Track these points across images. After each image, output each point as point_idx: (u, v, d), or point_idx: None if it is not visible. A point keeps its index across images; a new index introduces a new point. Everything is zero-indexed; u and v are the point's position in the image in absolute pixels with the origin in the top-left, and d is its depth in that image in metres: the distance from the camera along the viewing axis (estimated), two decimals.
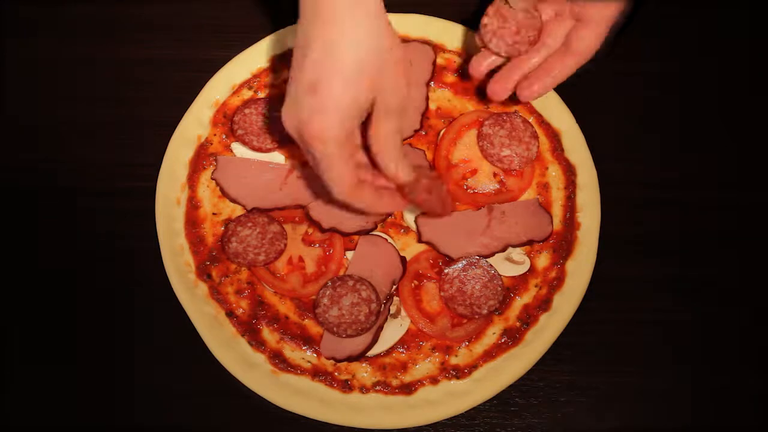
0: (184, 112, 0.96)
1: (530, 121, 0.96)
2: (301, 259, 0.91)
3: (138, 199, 0.93)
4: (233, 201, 0.92)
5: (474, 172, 0.95)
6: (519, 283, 0.90)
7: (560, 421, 0.87)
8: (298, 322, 0.89)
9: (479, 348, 0.88)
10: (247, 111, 0.95)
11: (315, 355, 0.87)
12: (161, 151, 0.94)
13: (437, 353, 0.87)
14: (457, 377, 0.86)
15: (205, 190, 0.94)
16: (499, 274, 0.89)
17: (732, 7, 1.05)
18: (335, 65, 0.67)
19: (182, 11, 1.05)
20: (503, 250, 0.90)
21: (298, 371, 0.86)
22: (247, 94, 0.97)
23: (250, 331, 0.88)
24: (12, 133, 0.99)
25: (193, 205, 0.93)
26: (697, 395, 0.88)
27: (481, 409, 0.86)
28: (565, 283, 0.90)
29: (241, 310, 0.89)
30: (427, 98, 0.97)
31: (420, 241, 0.91)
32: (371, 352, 0.87)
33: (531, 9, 0.85)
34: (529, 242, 0.91)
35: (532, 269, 0.91)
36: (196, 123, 0.96)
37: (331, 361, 0.87)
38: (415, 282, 0.90)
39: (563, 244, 0.91)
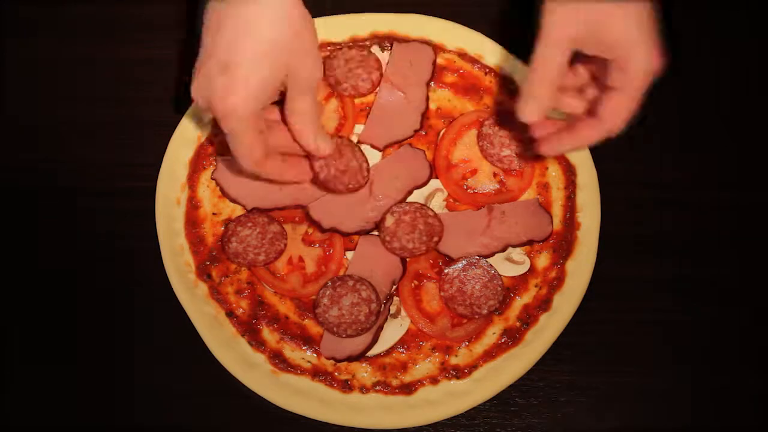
0: (184, 112, 0.96)
1: None
2: (301, 259, 0.91)
3: (138, 199, 0.93)
4: (233, 201, 0.92)
5: (474, 172, 0.95)
6: (519, 283, 0.90)
7: (560, 421, 0.87)
8: (298, 322, 0.89)
9: (479, 348, 0.88)
10: None
11: (315, 355, 0.87)
12: (161, 151, 0.94)
13: (437, 353, 0.87)
14: (457, 377, 0.86)
15: (205, 190, 0.94)
16: (499, 274, 0.89)
17: (732, 8, 1.05)
18: (247, 46, 0.70)
19: (182, 11, 1.04)
20: (503, 250, 0.90)
21: (298, 371, 0.86)
22: None
23: (250, 331, 0.88)
24: (12, 133, 0.98)
25: (193, 205, 0.93)
26: (697, 395, 0.88)
27: (481, 409, 0.86)
28: (565, 283, 0.90)
29: (241, 310, 0.89)
30: (427, 98, 0.97)
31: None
32: (371, 352, 0.87)
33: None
34: (529, 242, 0.91)
35: (532, 269, 0.91)
36: (196, 123, 0.95)
37: (331, 361, 0.87)
38: (415, 282, 0.90)
39: (563, 244, 0.91)
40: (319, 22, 0.99)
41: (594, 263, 0.90)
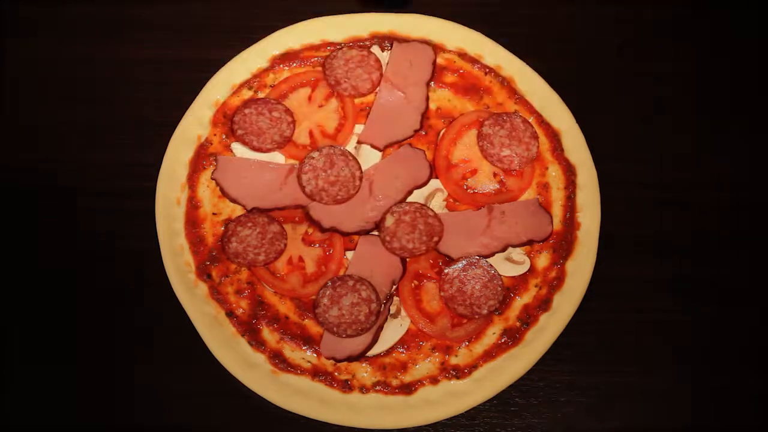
0: (184, 112, 0.96)
1: (530, 121, 0.96)
2: (301, 259, 0.91)
3: (138, 199, 0.93)
4: (233, 201, 0.92)
5: (474, 172, 0.95)
6: (519, 283, 0.90)
7: (560, 421, 0.87)
8: (298, 322, 0.89)
9: (479, 348, 0.88)
10: (247, 111, 0.95)
11: (315, 355, 0.87)
12: (161, 151, 0.94)
13: (437, 353, 0.87)
14: (457, 377, 0.86)
15: (205, 190, 0.94)
16: (499, 274, 0.89)
17: (741, 8, 1.05)
18: None
19: (182, 11, 1.05)
20: (503, 250, 0.90)
21: (298, 371, 0.86)
22: (247, 94, 0.97)
23: (250, 331, 0.88)
24: (12, 133, 0.98)
25: (193, 205, 0.93)
26: (697, 395, 0.88)
27: (481, 409, 0.86)
28: (565, 283, 0.90)
29: (241, 310, 0.89)
30: (427, 98, 0.97)
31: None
32: (371, 352, 0.87)
33: None
34: (529, 242, 0.91)
35: (532, 269, 0.91)
36: (196, 123, 0.96)
37: (331, 361, 0.87)
38: (415, 282, 0.90)
39: (563, 244, 0.91)
40: (319, 22, 1.00)
41: (594, 263, 0.90)
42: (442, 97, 0.98)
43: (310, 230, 0.92)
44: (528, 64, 0.98)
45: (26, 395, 0.87)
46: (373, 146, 0.95)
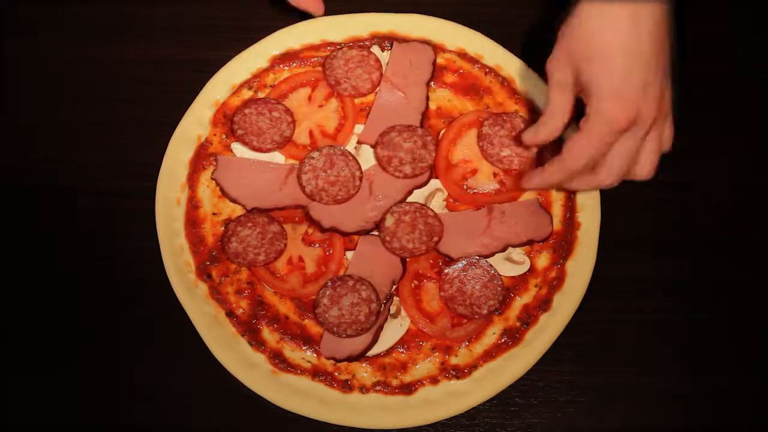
0: (184, 112, 0.96)
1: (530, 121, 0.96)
2: (301, 259, 0.91)
3: (138, 199, 0.93)
4: (233, 201, 0.92)
5: (474, 172, 0.95)
6: (519, 283, 0.90)
7: (560, 421, 0.87)
8: (298, 322, 0.89)
9: (479, 348, 0.88)
10: (247, 111, 0.95)
11: (315, 355, 0.87)
12: (161, 151, 0.94)
13: (437, 353, 0.87)
14: (457, 377, 0.86)
15: (205, 190, 0.94)
16: (499, 274, 0.89)
17: (741, 8, 1.05)
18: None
19: (182, 11, 1.05)
20: (503, 250, 0.90)
21: (298, 371, 0.86)
22: (247, 94, 0.97)
23: (250, 331, 0.88)
24: (12, 133, 0.98)
25: (193, 205, 0.93)
26: (696, 395, 0.88)
27: (481, 409, 0.86)
28: (565, 283, 0.90)
29: (241, 310, 0.89)
30: (427, 98, 0.97)
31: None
32: (371, 352, 0.87)
33: None
34: (529, 242, 0.91)
35: (532, 269, 0.91)
36: (196, 123, 0.96)
37: (331, 361, 0.87)
38: (415, 282, 0.90)
39: (563, 244, 0.91)
40: (319, 22, 0.99)
41: (594, 263, 0.90)
42: (442, 97, 0.98)
43: (310, 230, 0.92)
44: (528, 64, 0.98)
45: (26, 395, 0.87)
46: (372, 146, 0.95)
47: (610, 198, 0.93)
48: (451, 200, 0.94)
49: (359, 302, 0.86)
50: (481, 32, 1.00)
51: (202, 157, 0.94)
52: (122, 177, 0.96)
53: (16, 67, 1.02)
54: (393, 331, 0.88)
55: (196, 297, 0.88)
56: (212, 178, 0.93)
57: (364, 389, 0.86)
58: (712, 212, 0.96)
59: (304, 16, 0.99)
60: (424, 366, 0.87)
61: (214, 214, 0.93)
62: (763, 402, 0.88)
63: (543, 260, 0.91)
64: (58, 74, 1.01)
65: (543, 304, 0.89)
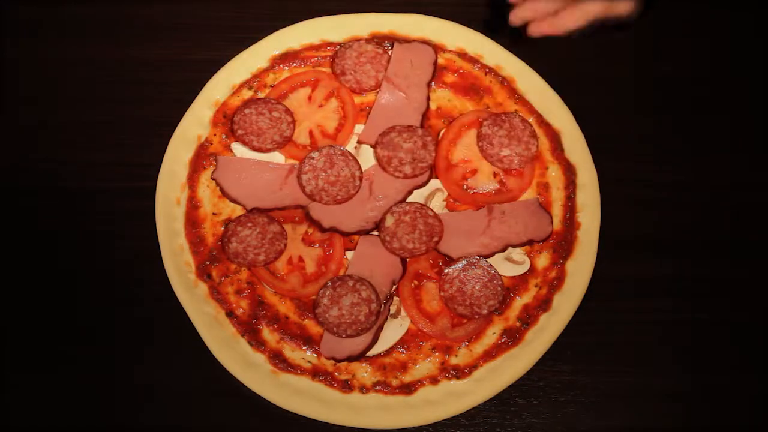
0: (184, 112, 0.96)
1: (530, 121, 0.96)
2: (301, 259, 0.91)
3: (138, 199, 0.93)
4: (233, 201, 0.92)
5: (474, 172, 0.95)
6: (519, 283, 0.90)
7: (560, 421, 0.87)
8: (298, 322, 0.89)
9: (479, 348, 0.88)
10: (247, 111, 0.95)
11: (315, 355, 0.87)
12: (161, 151, 0.94)
13: (437, 353, 0.87)
14: (457, 377, 0.86)
15: (205, 190, 0.94)
16: (499, 274, 0.89)
17: (742, 9, 1.05)
18: None
19: (182, 11, 1.05)
20: (503, 250, 0.90)
21: (298, 371, 0.86)
22: (247, 94, 0.97)
23: (250, 331, 0.88)
24: (12, 133, 0.98)
25: (193, 205, 0.93)
26: (696, 395, 0.88)
27: (481, 409, 0.86)
28: (565, 283, 0.90)
29: (241, 310, 0.89)
30: (428, 98, 0.97)
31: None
32: (371, 352, 0.87)
33: None
34: (529, 242, 0.91)
35: (532, 269, 0.91)
36: (196, 123, 0.96)
37: (331, 361, 0.87)
38: (415, 282, 0.90)
39: (563, 244, 0.91)
40: (319, 22, 1.00)
41: (594, 263, 0.90)
42: (442, 97, 0.98)
43: (310, 230, 0.92)
44: (528, 64, 0.98)
45: (26, 395, 0.87)
46: (373, 146, 0.95)
47: (610, 198, 0.93)
48: (451, 200, 0.94)
49: (359, 302, 0.86)
50: (481, 32, 1.00)
51: (202, 157, 0.94)
52: (122, 177, 0.96)
53: (16, 67, 1.02)
54: (393, 331, 0.88)
55: (196, 297, 0.88)
56: (212, 178, 0.93)
57: (364, 389, 0.86)
58: (712, 212, 0.96)
59: (304, 16, 0.99)
60: (424, 366, 0.87)
61: (214, 214, 0.93)
62: (763, 402, 0.88)
63: (543, 260, 0.91)
64: (58, 74, 1.01)
65: (543, 304, 0.89)
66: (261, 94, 0.98)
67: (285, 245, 0.90)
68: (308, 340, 0.88)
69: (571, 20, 0.92)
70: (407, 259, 0.90)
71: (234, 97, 0.97)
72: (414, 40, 0.99)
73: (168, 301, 0.88)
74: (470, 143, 0.96)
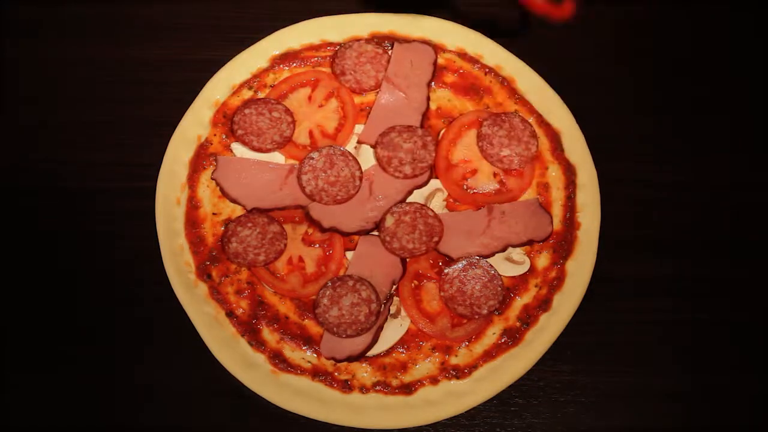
0: (184, 112, 0.96)
1: (530, 121, 0.96)
2: (301, 259, 0.91)
3: (138, 199, 0.93)
4: (233, 201, 0.92)
5: (474, 172, 0.95)
6: (519, 283, 0.90)
7: (560, 421, 0.87)
8: (298, 322, 0.89)
9: (479, 348, 0.88)
10: (247, 111, 0.95)
11: (315, 355, 0.87)
12: (161, 151, 0.94)
13: (437, 353, 0.87)
14: (457, 377, 0.86)
15: (205, 190, 0.94)
16: (499, 274, 0.89)
17: (736, 9, 1.05)
18: None
19: (182, 11, 1.05)
20: (503, 250, 0.90)
21: (298, 371, 0.86)
22: (247, 94, 0.97)
23: (250, 331, 0.88)
24: (12, 133, 0.98)
25: (193, 205, 0.93)
26: (696, 395, 0.88)
27: (481, 409, 0.86)
28: (565, 283, 0.90)
29: (241, 310, 0.89)
30: (428, 98, 0.97)
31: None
32: (371, 352, 0.87)
33: None
34: (529, 242, 0.91)
35: (532, 269, 0.91)
36: (196, 123, 0.96)
37: (331, 361, 0.87)
38: (415, 282, 0.90)
39: (563, 244, 0.91)
40: (319, 22, 1.00)
41: (594, 263, 0.90)
42: (442, 97, 0.98)
43: (310, 230, 0.92)
44: (528, 64, 0.98)
45: (26, 395, 0.87)
46: (373, 146, 0.95)
47: (610, 198, 0.93)
48: (451, 200, 0.94)
49: (359, 302, 0.86)
50: (481, 32, 1.00)
51: (202, 157, 0.94)
52: (122, 177, 0.96)
53: (16, 67, 1.02)
54: (393, 331, 0.88)
55: (196, 297, 0.88)
56: (212, 178, 0.93)
57: (364, 389, 0.86)
58: (712, 212, 0.96)
59: (304, 16, 0.99)
60: (424, 366, 0.87)
61: (214, 214, 0.93)
62: (763, 402, 0.88)
63: (543, 260, 0.91)
64: (58, 74, 1.01)
65: (543, 304, 0.89)
66: (261, 94, 0.98)
67: (285, 245, 0.90)
68: (308, 340, 0.88)
69: None
70: (407, 259, 0.90)
71: (234, 97, 0.97)
72: (414, 40, 0.99)
73: (168, 301, 0.88)
74: (470, 143, 0.96)
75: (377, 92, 0.97)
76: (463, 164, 0.95)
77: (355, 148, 0.96)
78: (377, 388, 0.86)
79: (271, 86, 0.98)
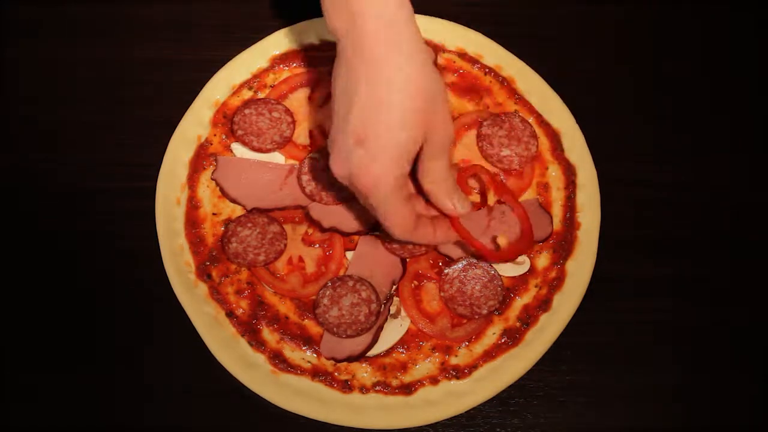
0: (184, 112, 0.96)
1: (530, 121, 0.96)
2: (301, 259, 0.91)
3: (138, 199, 0.93)
4: (233, 201, 0.92)
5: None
6: (519, 283, 0.90)
7: (560, 420, 0.87)
8: (298, 322, 0.89)
9: (479, 348, 0.88)
10: (247, 111, 0.95)
11: (315, 355, 0.87)
12: (161, 151, 0.94)
13: (437, 353, 0.87)
14: (457, 377, 0.86)
15: (205, 190, 0.94)
16: (499, 275, 0.89)
17: (736, 9, 1.05)
18: (382, 113, 0.66)
19: (182, 11, 1.05)
20: None
21: (298, 371, 0.86)
22: (247, 94, 0.97)
23: (250, 331, 0.88)
24: (12, 133, 0.98)
25: (193, 205, 0.93)
26: (696, 395, 0.88)
27: (481, 409, 0.86)
28: (565, 283, 0.90)
29: (241, 310, 0.89)
30: None
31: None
32: (371, 352, 0.87)
33: None
34: (533, 240, 0.91)
35: (532, 269, 0.91)
36: (196, 123, 0.96)
37: (331, 361, 0.87)
38: (415, 282, 0.90)
39: (563, 244, 0.91)
40: (320, 22, 0.99)
41: (594, 263, 0.90)
42: None
43: (310, 230, 0.92)
44: (528, 64, 0.98)
45: (26, 396, 0.87)
46: None
47: (610, 198, 0.93)
48: None
49: (359, 302, 0.86)
50: (481, 32, 1.00)
51: (202, 157, 0.94)
52: (122, 177, 0.96)
53: (16, 67, 1.02)
54: (393, 331, 0.88)
55: (196, 297, 0.88)
56: (212, 178, 0.93)
57: (364, 389, 0.86)
58: (712, 212, 0.96)
59: (304, 16, 0.99)
60: (424, 366, 0.87)
61: (214, 214, 0.93)
62: (763, 402, 0.88)
63: (543, 260, 0.91)
64: (58, 74, 1.01)
65: (543, 304, 0.89)
66: (261, 95, 0.98)
67: (285, 245, 0.90)
68: (308, 341, 0.88)
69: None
70: (407, 260, 0.90)
71: (234, 97, 0.97)
72: None
73: (168, 301, 0.88)
74: (470, 143, 0.96)
75: None
76: (463, 164, 0.95)
77: None
78: (377, 388, 0.86)
79: (271, 86, 0.98)
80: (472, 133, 0.96)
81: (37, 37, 1.03)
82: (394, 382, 0.86)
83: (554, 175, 0.95)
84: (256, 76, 0.98)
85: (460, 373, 0.86)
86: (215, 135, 0.96)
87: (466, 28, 1.00)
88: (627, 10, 1.06)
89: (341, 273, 0.90)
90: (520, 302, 0.89)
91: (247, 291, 0.89)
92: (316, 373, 0.86)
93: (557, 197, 0.94)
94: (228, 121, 0.96)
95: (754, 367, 0.89)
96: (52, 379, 0.88)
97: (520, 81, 0.98)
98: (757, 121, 1.01)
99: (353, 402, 0.85)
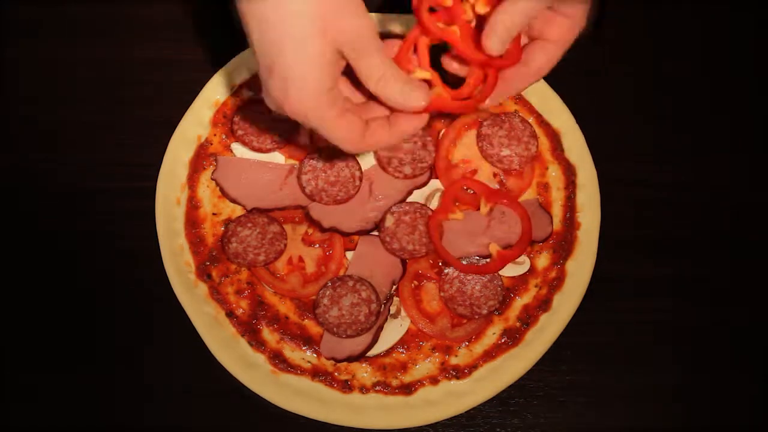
0: (184, 112, 0.96)
1: (530, 121, 0.96)
2: (301, 259, 0.91)
3: (138, 199, 0.93)
4: (233, 201, 0.92)
5: (474, 172, 0.95)
6: (519, 283, 0.90)
7: (560, 420, 0.87)
8: (298, 322, 0.89)
9: (479, 348, 0.88)
10: (247, 111, 0.95)
11: (315, 355, 0.87)
12: (161, 151, 0.94)
13: (437, 353, 0.87)
14: (457, 377, 0.86)
15: (205, 190, 0.94)
16: (499, 274, 0.89)
17: (736, 9, 1.05)
18: (276, 36, 0.64)
19: (182, 11, 1.05)
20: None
21: (298, 371, 0.86)
22: (247, 94, 0.97)
23: (250, 331, 0.88)
24: (12, 133, 0.98)
25: (193, 205, 0.93)
26: (696, 395, 0.88)
27: (481, 409, 0.86)
28: (565, 283, 0.90)
29: (241, 310, 0.89)
30: None
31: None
32: (371, 352, 0.87)
33: None
34: (529, 242, 0.91)
35: (532, 269, 0.91)
36: (196, 123, 0.96)
37: (331, 361, 0.87)
38: (415, 282, 0.90)
39: (563, 244, 0.91)
40: None
41: (594, 263, 0.90)
42: None
43: (310, 230, 0.92)
44: None
45: (26, 396, 0.87)
46: None
47: (610, 198, 0.93)
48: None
49: (359, 302, 0.86)
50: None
51: (202, 157, 0.94)
52: (122, 177, 0.96)
53: (16, 67, 1.02)
54: (393, 331, 0.88)
55: (196, 297, 0.88)
56: (212, 178, 0.93)
57: (364, 389, 0.86)
58: (712, 212, 0.96)
59: None
60: (424, 366, 0.87)
61: (214, 214, 0.93)
62: (763, 402, 0.88)
63: (543, 260, 0.91)
64: (58, 74, 1.01)
65: (543, 304, 0.89)
66: (261, 94, 0.97)
67: (285, 245, 0.90)
68: (308, 341, 0.88)
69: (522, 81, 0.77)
70: (407, 260, 0.90)
71: (234, 97, 0.97)
72: None
73: (168, 301, 0.88)
74: (470, 143, 0.96)
75: None
76: (463, 164, 0.95)
77: None
78: (377, 388, 0.86)
79: None
80: (472, 133, 0.96)
81: (37, 37, 1.03)
82: (394, 382, 0.86)
83: (554, 175, 0.95)
84: (256, 76, 0.98)
85: (460, 373, 0.86)
86: (215, 135, 0.95)
87: None
88: (627, 11, 1.06)
89: (341, 273, 0.90)
90: (520, 302, 0.89)
91: (247, 291, 0.89)
92: (316, 373, 0.86)
93: (557, 197, 0.94)
94: (228, 121, 0.96)
95: (754, 367, 0.89)
96: (52, 379, 0.88)
97: None
98: (757, 121, 1.01)
99: (353, 402, 0.85)
